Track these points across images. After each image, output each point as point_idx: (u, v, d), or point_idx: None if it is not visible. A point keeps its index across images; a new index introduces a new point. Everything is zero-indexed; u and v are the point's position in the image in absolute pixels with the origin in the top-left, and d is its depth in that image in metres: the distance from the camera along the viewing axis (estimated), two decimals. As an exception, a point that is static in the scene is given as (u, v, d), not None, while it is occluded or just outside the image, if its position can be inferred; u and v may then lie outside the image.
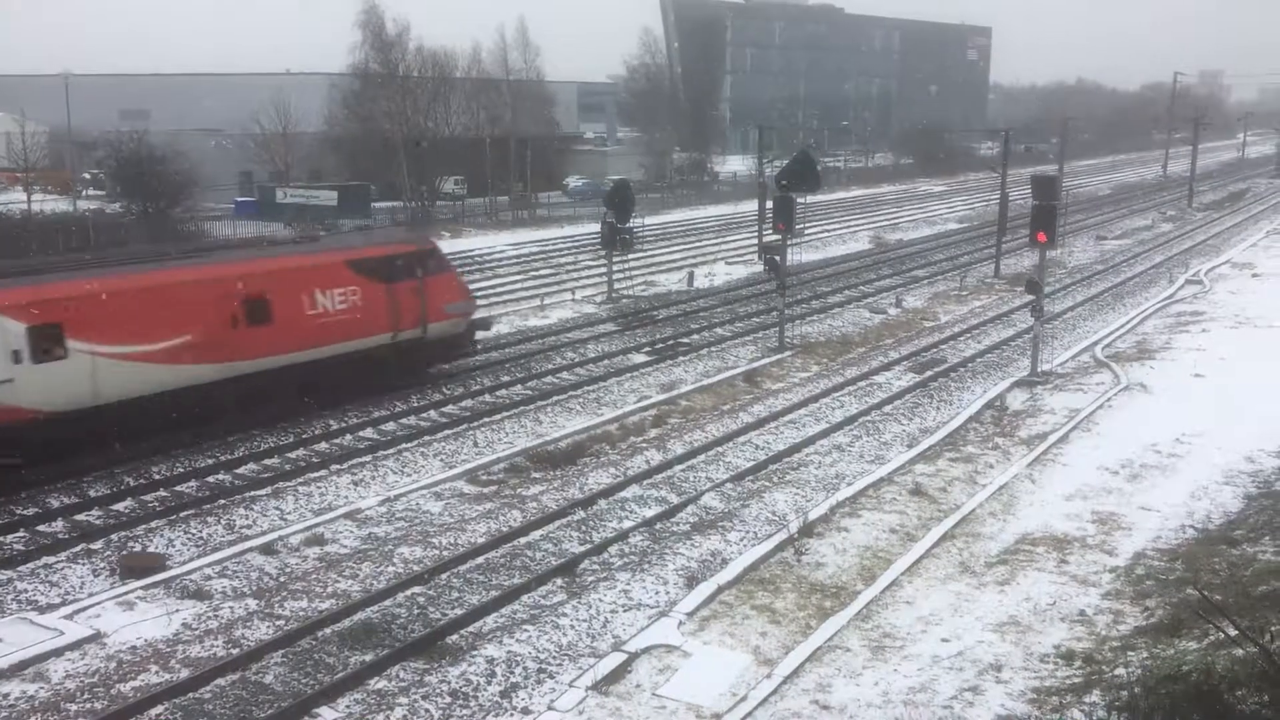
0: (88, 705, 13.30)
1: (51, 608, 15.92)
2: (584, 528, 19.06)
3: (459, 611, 15.76)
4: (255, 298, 23.71)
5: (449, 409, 26.34)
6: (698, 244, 58.77)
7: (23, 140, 63.17)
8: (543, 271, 48.58)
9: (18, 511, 19.65)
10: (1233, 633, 11.05)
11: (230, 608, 15.94)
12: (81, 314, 20.77)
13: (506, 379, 28.95)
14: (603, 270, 42.68)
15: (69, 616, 15.45)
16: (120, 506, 20.03)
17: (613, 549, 18.02)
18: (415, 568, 17.25)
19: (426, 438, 24.05)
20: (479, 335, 30.58)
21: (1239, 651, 11.29)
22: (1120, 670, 12.92)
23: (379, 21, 69.62)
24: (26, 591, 16.58)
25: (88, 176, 76.20)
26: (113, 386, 21.26)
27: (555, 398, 27.32)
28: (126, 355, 21.47)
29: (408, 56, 71.55)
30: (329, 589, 16.56)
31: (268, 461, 22.55)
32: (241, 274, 23.99)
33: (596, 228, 46.56)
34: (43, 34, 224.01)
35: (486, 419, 25.45)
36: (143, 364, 21.79)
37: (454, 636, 15.06)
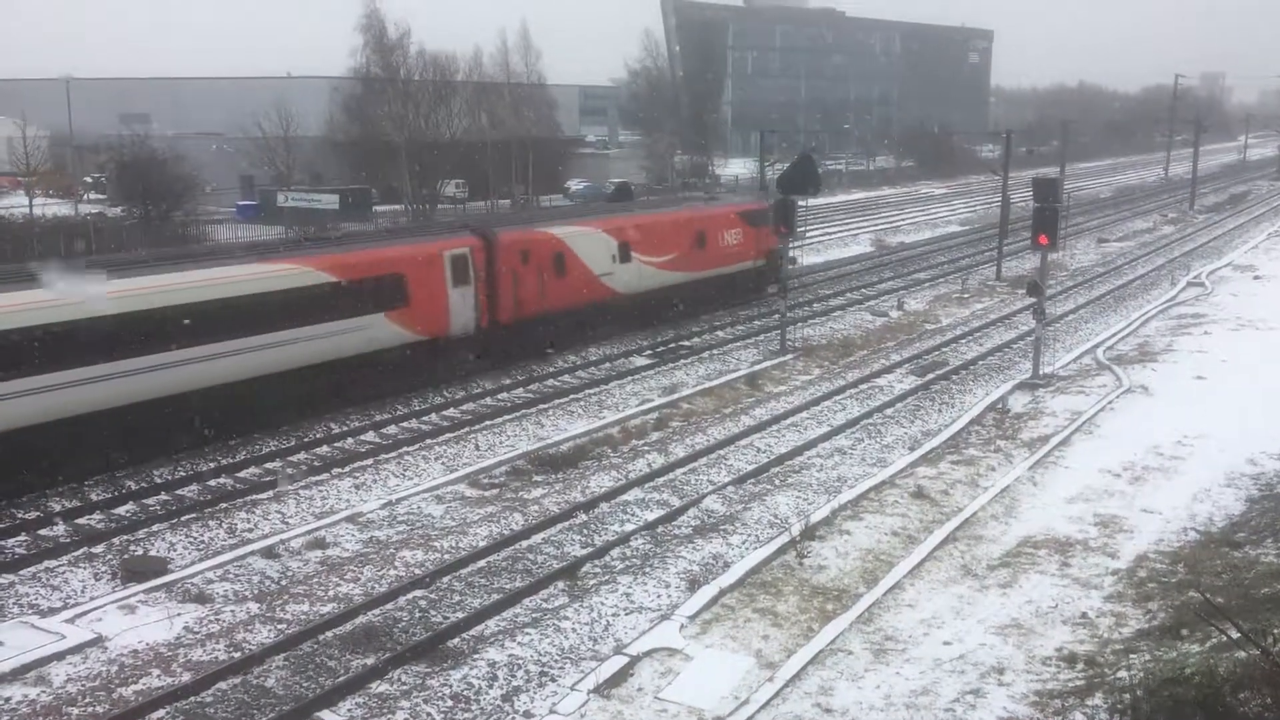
0: (89, 709, 13.31)
1: (53, 611, 15.92)
2: (585, 531, 19.05)
3: (460, 615, 15.75)
4: (703, 232, 37.64)
5: (450, 412, 26.35)
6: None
7: (24, 144, 63.29)
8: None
9: (19, 515, 19.66)
10: (1235, 635, 11.05)
11: (232, 611, 15.94)
12: (636, 237, 34.48)
13: (508, 381, 28.96)
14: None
15: (70, 620, 15.45)
16: (122, 510, 20.04)
17: (614, 552, 18.01)
18: (417, 571, 17.24)
19: (428, 441, 24.05)
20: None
21: (1241, 654, 11.28)
22: (1123, 673, 12.91)
23: (380, 25, 69.72)
24: (28, 595, 16.58)
25: (89, 180, 76.32)
26: (646, 282, 35.03)
27: (556, 400, 27.32)
28: (653, 264, 35.38)
29: (409, 60, 71.62)
30: (330, 592, 16.56)
31: (269, 465, 22.54)
32: (699, 217, 38.39)
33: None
34: (44, 38, 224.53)
35: (488, 422, 25.45)
36: (659, 270, 35.66)
37: (455, 640, 15.05)
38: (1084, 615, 15.20)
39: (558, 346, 32.17)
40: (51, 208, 62.85)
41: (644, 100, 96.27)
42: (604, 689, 13.49)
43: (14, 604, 16.28)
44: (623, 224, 34.94)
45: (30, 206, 58.56)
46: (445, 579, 16.99)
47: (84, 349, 20.57)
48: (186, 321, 22.06)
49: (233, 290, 23.05)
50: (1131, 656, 13.56)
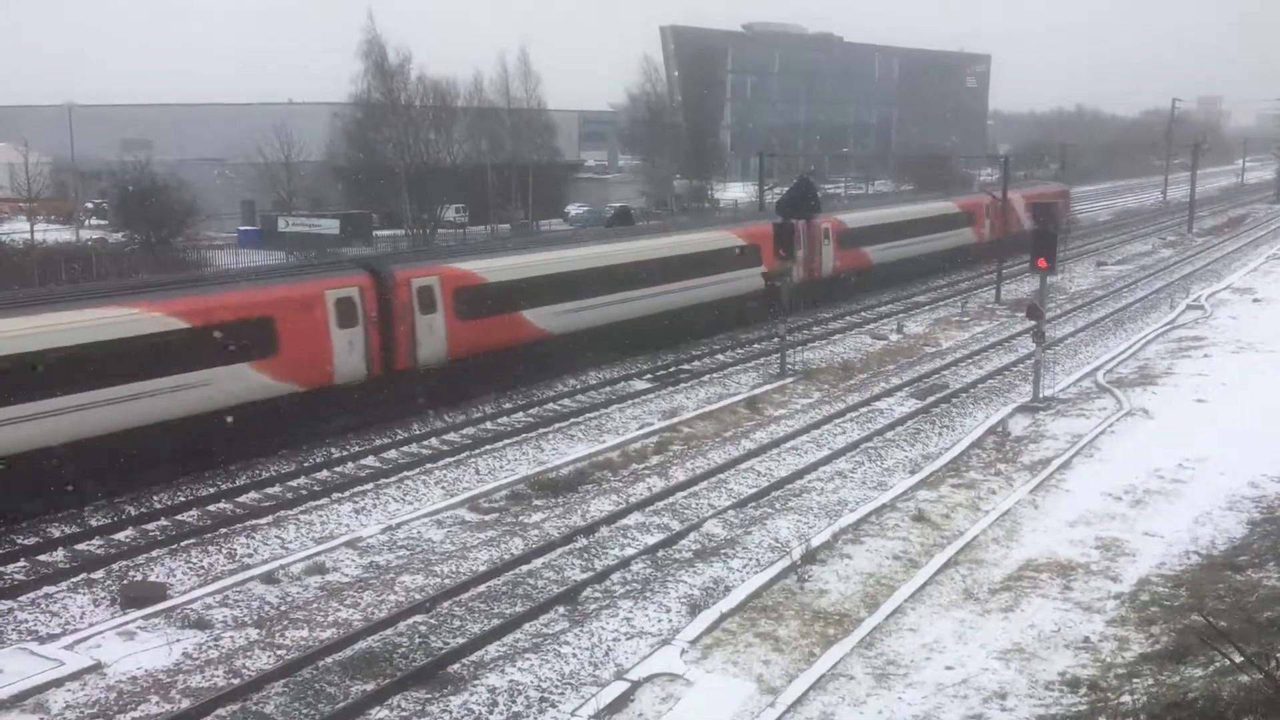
0: (87, 736, 13.24)
1: (52, 638, 15.87)
2: (586, 555, 19.01)
3: (461, 640, 15.70)
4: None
5: (450, 436, 26.33)
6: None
7: (26, 170, 63.53)
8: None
9: (18, 541, 19.63)
10: (1238, 659, 11.01)
11: (231, 637, 15.88)
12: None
13: (508, 405, 28.95)
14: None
15: (69, 647, 15.40)
16: (121, 536, 20.00)
17: (615, 576, 17.97)
18: (417, 596, 17.19)
19: (428, 465, 24.02)
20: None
21: (1244, 678, 11.24)
22: (1126, 697, 12.86)
23: (381, 51, 70.04)
24: (27, 621, 16.53)
25: (90, 206, 76.54)
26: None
27: (557, 424, 27.31)
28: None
29: (409, 86, 71.90)
30: (330, 618, 16.51)
31: (269, 490, 22.52)
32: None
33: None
34: (46, 65, 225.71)
35: (488, 446, 25.44)
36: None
37: (456, 665, 14.99)
38: (1086, 639, 15.14)
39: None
40: (53, 233, 63.03)
41: (643, 125, 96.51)
42: (605, 715, 13.43)
43: (13, 630, 16.23)
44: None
45: (31, 232, 58.72)
46: (445, 604, 16.94)
47: None
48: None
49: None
50: (1134, 681, 13.50)
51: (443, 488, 22.69)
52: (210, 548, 19.39)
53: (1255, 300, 45.47)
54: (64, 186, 77.95)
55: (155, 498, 21.89)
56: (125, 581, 17.89)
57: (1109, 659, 14.49)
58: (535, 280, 30.59)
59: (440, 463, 24.22)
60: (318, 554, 18.85)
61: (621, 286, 33.26)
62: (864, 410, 28.86)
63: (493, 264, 29.87)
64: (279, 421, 24.32)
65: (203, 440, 22.93)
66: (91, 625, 16.26)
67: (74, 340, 20.72)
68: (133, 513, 21.09)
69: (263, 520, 20.72)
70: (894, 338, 38.91)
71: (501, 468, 23.99)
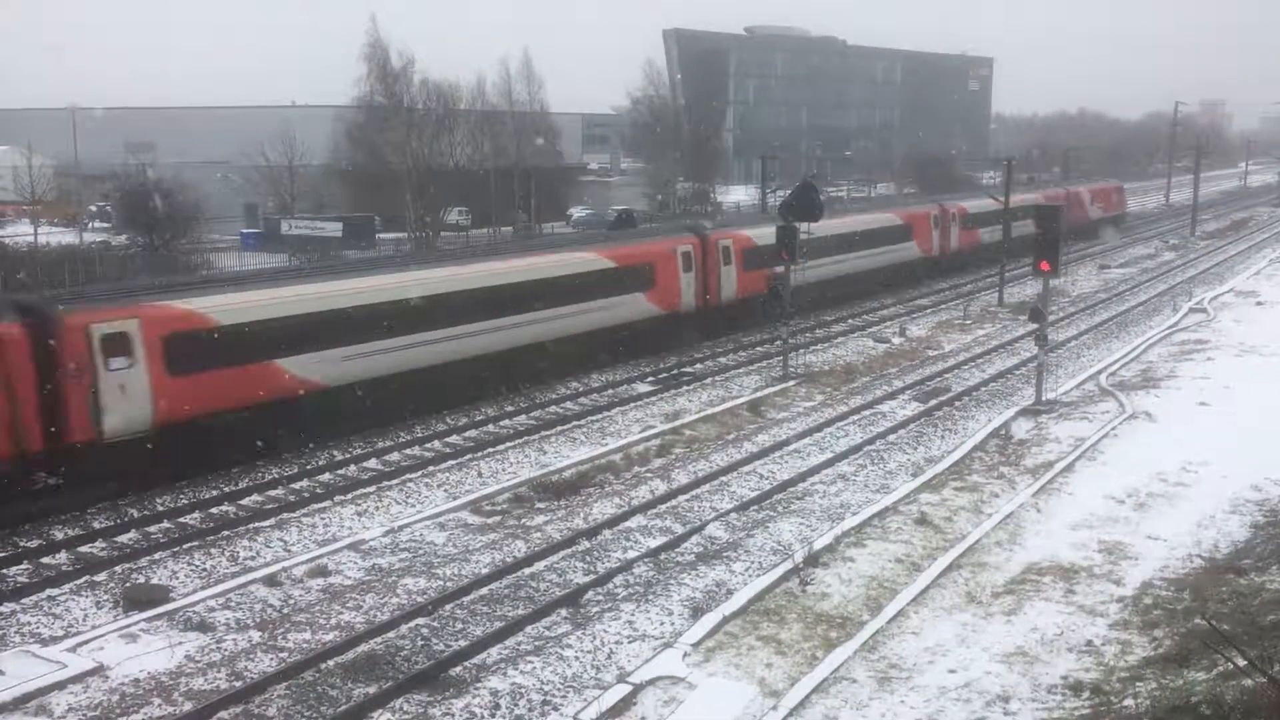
0: (90, 739, 13.24)
1: (54, 640, 15.88)
2: (588, 558, 19.01)
3: (463, 643, 15.70)
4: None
5: (453, 439, 26.34)
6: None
7: (29, 173, 63.58)
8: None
9: (21, 543, 19.65)
10: (1241, 663, 10.99)
11: (233, 640, 15.89)
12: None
13: (510, 409, 28.95)
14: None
15: (72, 649, 15.41)
16: (124, 538, 20.02)
17: (617, 579, 17.96)
18: (419, 599, 17.20)
19: (430, 468, 24.03)
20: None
21: (1248, 682, 11.22)
22: (1129, 701, 12.84)
23: (384, 54, 70.13)
24: (30, 624, 16.55)
25: (93, 209, 76.61)
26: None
27: (559, 427, 27.32)
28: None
29: (412, 89, 71.99)
30: (332, 620, 16.51)
31: (271, 492, 22.54)
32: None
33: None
34: (50, 69, 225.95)
35: (490, 449, 25.44)
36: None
37: (458, 668, 15.00)
38: (1089, 643, 15.12)
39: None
40: (56, 236, 63.06)
41: (646, 128, 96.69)
42: (607, 718, 13.42)
43: (15, 633, 16.25)
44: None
45: (35, 235, 58.77)
46: (447, 607, 16.94)
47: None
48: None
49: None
50: (1138, 684, 13.48)
51: (445, 490, 22.69)
52: (212, 550, 19.41)
53: (1258, 303, 45.42)
54: (68, 190, 78.01)
55: (158, 500, 21.90)
56: (128, 584, 17.90)
57: (1112, 663, 14.47)
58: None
59: (442, 465, 24.23)
60: (320, 556, 18.86)
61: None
62: (866, 413, 28.85)
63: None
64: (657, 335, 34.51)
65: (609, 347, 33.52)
66: (94, 628, 16.27)
67: (573, 270, 32.26)
68: (135, 515, 21.12)
69: (265, 523, 20.74)
70: (896, 341, 38.89)
71: (504, 470, 23.99)
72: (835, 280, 43.20)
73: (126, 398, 21.69)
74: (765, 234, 36.81)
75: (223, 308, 23.77)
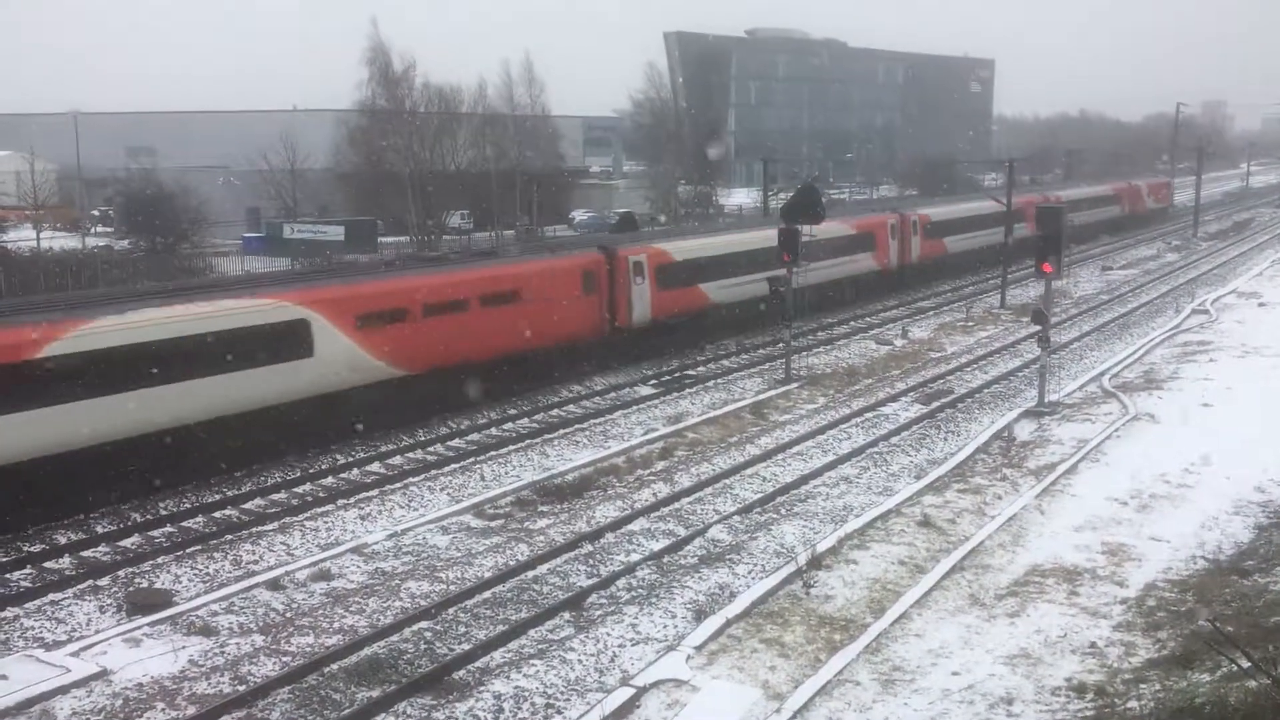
0: (94, 743, 13.24)
1: (58, 645, 15.89)
2: (591, 561, 19.01)
3: (466, 647, 15.70)
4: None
5: (455, 443, 26.35)
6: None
7: (32, 178, 63.67)
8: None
9: (25, 548, 19.67)
10: (1245, 665, 10.97)
11: (237, 644, 15.90)
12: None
13: (513, 412, 28.96)
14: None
15: (75, 654, 15.43)
16: (127, 542, 20.03)
17: (620, 582, 17.96)
18: (422, 602, 17.20)
19: (433, 472, 24.04)
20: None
21: (1252, 683, 11.20)
22: (1133, 703, 12.82)
23: (386, 58, 70.19)
24: (33, 628, 16.56)
25: (96, 214, 76.73)
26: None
27: (562, 430, 27.32)
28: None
29: (414, 92, 72.04)
30: (336, 624, 16.52)
31: (275, 496, 22.55)
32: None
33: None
34: (51, 73, 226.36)
35: (493, 452, 25.45)
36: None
37: (461, 672, 14.99)
38: (1093, 645, 15.11)
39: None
40: (59, 241, 63.16)
41: (648, 131, 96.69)
42: (610, 721, 13.41)
43: (19, 637, 16.26)
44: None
45: (38, 240, 58.85)
46: (451, 610, 16.94)
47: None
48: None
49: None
50: (1141, 686, 13.46)
51: (448, 494, 22.70)
52: (216, 554, 19.41)
53: (1260, 304, 45.38)
54: (70, 194, 78.12)
55: (161, 505, 21.92)
56: (131, 588, 17.91)
57: (1116, 664, 14.46)
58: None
59: (445, 469, 24.24)
60: (323, 560, 18.87)
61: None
62: (869, 415, 28.84)
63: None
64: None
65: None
66: (98, 632, 16.28)
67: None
68: (138, 519, 21.13)
69: (268, 527, 20.75)
70: (899, 343, 38.89)
71: (507, 474, 23.99)
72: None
73: (641, 302, 33.70)
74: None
75: (678, 249, 35.82)
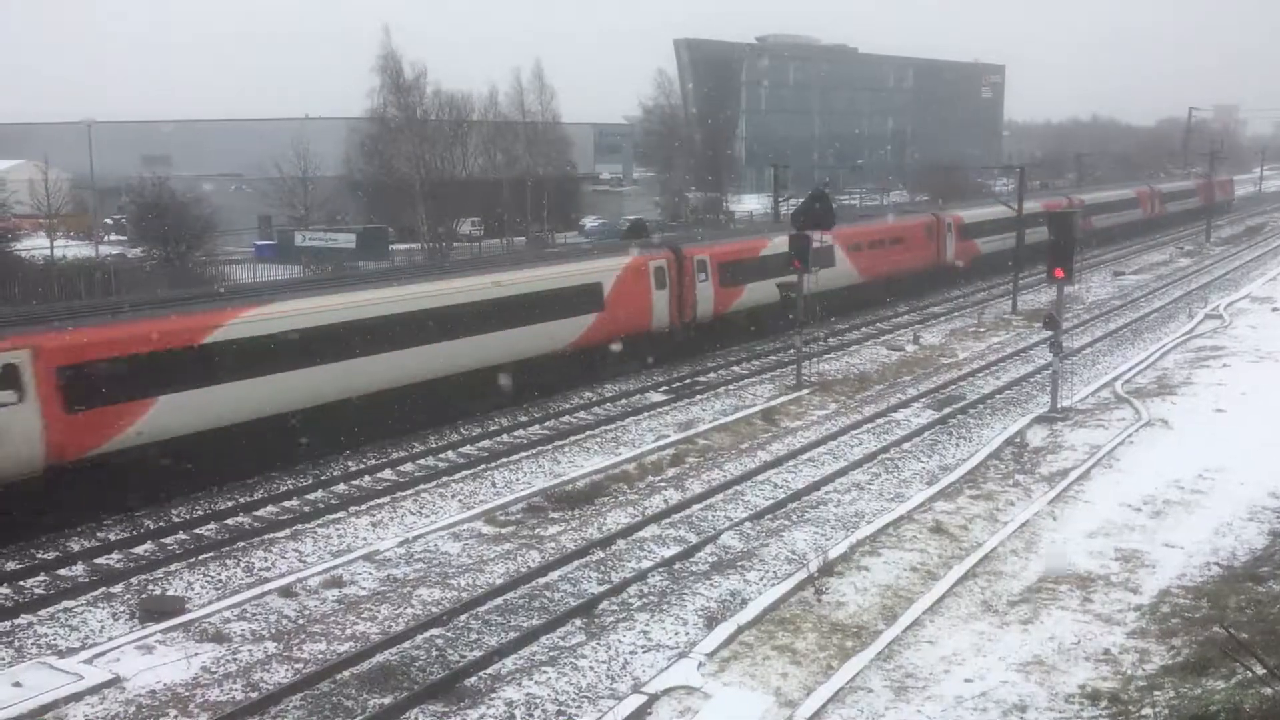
0: (107, 750, 13.27)
1: (71, 652, 15.93)
2: (602, 568, 18.99)
3: (478, 653, 15.70)
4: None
5: (466, 449, 26.37)
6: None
7: (45, 186, 63.97)
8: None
9: (38, 555, 19.73)
10: (1260, 671, 10.91)
11: (249, 651, 15.92)
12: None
13: (524, 419, 28.98)
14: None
15: (88, 660, 15.46)
16: (140, 549, 20.08)
17: (631, 589, 17.94)
18: (434, 609, 17.21)
19: (444, 478, 24.06)
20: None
21: (1267, 690, 11.14)
22: (1147, 710, 12.76)
23: (396, 66, 70.44)
24: (46, 635, 16.61)
25: (109, 222, 77.03)
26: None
27: (573, 437, 27.32)
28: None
29: (425, 100, 72.29)
30: (347, 631, 16.53)
31: (286, 503, 22.59)
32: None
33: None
34: (65, 83, 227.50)
35: (504, 459, 25.46)
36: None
37: (473, 679, 14.99)
38: (1107, 652, 15.04)
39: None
40: (72, 249, 63.43)
41: (658, 137, 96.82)
42: (622, 728, 13.39)
43: (32, 644, 16.31)
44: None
45: (51, 248, 59.12)
46: (462, 617, 16.94)
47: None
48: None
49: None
50: (1156, 693, 13.40)
51: (459, 501, 22.71)
52: (228, 561, 19.46)
53: (1275, 309, 45.21)
54: (83, 202, 78.45)
55: (174, 512, 21.99)
56: (144, 595, 17.96)
57: (1130, 671, 14.39)
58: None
59: (456, 476, 24.26)
60: (335, 567, 18.89)
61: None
62: (881, 421, 28.78)
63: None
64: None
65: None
66: (110, 639, 16.32)
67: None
68: (151, 526, 21.19)
69: (280, 534, 20.78)
70: (910, 349, 38.81)
71: (518, 480, 24.00)
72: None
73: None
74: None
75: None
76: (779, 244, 37.55)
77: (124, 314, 22.81)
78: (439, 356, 27.21)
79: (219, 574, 18.94)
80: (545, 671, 15.08)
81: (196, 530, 21.05)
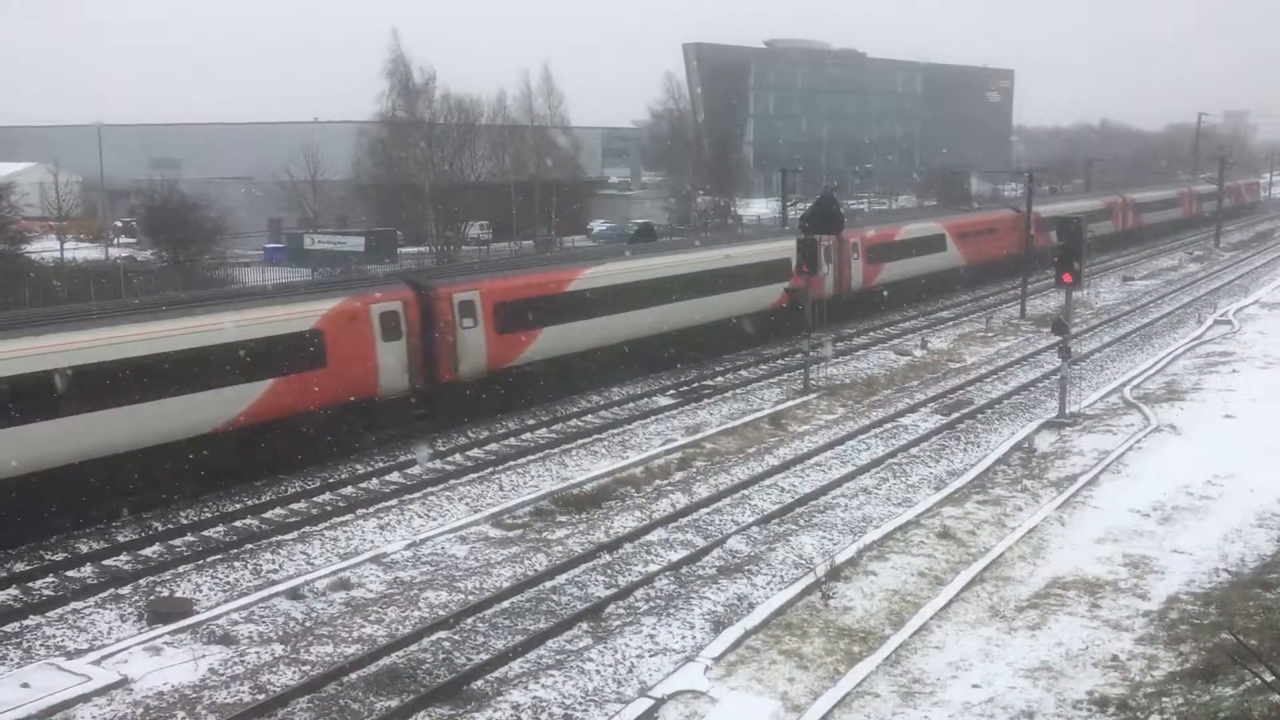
0: (114, 751, 13.30)
1: (79, 653, 15.99)
2: (610, 571, 19.00)
3: (484, 656, 15.72)
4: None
5: (474, 452, 26.40)
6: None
7: (56, 189, 64.24)
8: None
9: (47, 557, 19.79)
10: (1269, 678, 10.87)
11: (257, 653, 15.95)
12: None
13: (532, 422, 29.00)
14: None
15: (97, 662, 15.51)
16: (148, 551, 20.14)
17: (638, 593, 17.95)
18: (441, 612, 17.23)
19: (452, 481, 24.09)
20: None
21: (1276, 697, 11.10)
22: (1155, 717, 12.74)
23: (406, 70, 70.63)
24: (55, 637, 16.66)
25: (119, 225, 77.30)
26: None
27: (580, 441, 27.33)
28: None
29: (434, 104, 72.44)
30: (355, 634, 16.56)
31: (294, 506, 22.64)
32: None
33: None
34: (76, 86, 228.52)
35: (512, 462, 25.48)
36: None
37: (479, 682, 15.01)
38: (1115, 658, 15.00)
39: None
40: (82, 252, 63.67)
41: (666, 141, 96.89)
42: (628, 732, 13.39)
43: (41, 645, 16.37)
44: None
45: (61, 251, 59.35)
46: (469, 620, 16.96)
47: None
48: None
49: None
50: (1164, 700, 13.37)
51: (466, 504, 22.74)
52: (236, 563, 19.50)
53: (1284, 315, 45.03)
54: (93, 205, 78.74)
55: (182, 514, 22.04)
56: (152, 597, 18.01)
57: (1138, 678, 14.35)
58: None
59: (464, 479, 24.28)
60: (342, 570, 18.92)
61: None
62: (888, 426, 28.75)
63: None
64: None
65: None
66: (118, 640, 16.37)
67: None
68: (160, 528, 21.24)
69: (288, 536, 20.82)
70: (918, 353, 38.76)
71: (525, 484, 24.02)
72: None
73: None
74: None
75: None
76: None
77: (517, 269, 31.92)
78: (699, 309, 34.88)
79: (227, 576, 18.98)
80: (552, 675, 15.08)
81: (204, 532, 21.10)
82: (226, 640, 16.33)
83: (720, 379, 34.64)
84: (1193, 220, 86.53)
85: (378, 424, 26.10)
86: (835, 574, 17.93)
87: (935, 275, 48.93)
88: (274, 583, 18.54)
